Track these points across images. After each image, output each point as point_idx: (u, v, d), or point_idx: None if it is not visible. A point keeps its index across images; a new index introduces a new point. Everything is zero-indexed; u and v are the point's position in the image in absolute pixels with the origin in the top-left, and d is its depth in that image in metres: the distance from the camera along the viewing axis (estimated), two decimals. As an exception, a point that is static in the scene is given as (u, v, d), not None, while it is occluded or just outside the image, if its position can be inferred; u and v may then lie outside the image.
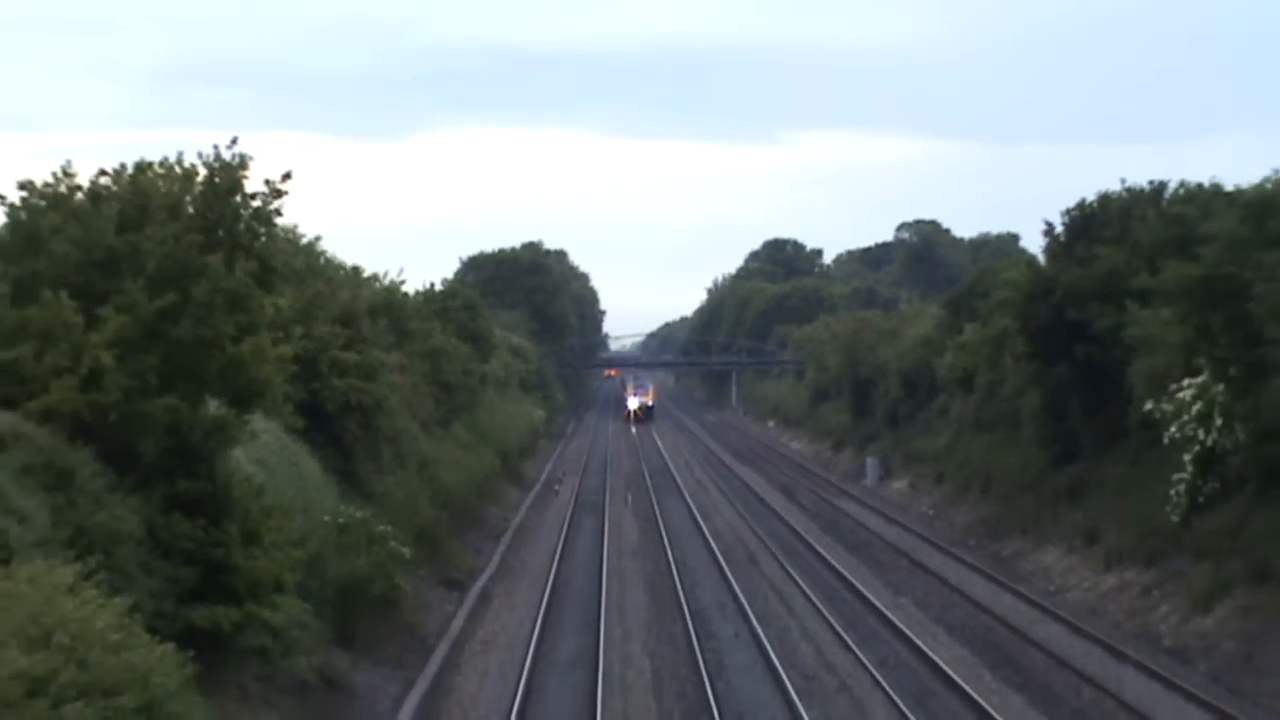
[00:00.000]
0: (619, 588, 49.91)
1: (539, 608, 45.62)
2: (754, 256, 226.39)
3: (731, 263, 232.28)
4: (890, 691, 34.06)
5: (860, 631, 41.90)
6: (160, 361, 26.38)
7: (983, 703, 32.96)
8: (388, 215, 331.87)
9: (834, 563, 56.00)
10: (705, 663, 37.12)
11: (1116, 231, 54.76)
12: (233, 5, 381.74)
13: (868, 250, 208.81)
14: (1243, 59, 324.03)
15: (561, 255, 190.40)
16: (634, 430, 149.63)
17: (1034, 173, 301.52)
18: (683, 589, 49.10)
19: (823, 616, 44.38)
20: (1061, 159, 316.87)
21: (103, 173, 27.95)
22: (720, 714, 31.73)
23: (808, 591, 49.09)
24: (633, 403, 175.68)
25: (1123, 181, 57.96)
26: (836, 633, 41.65)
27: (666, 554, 58.28)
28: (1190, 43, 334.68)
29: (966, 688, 34.57)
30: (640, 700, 33.66)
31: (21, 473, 23.18)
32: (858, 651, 38.77)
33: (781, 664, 36.92)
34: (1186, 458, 44.38)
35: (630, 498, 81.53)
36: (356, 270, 58.92)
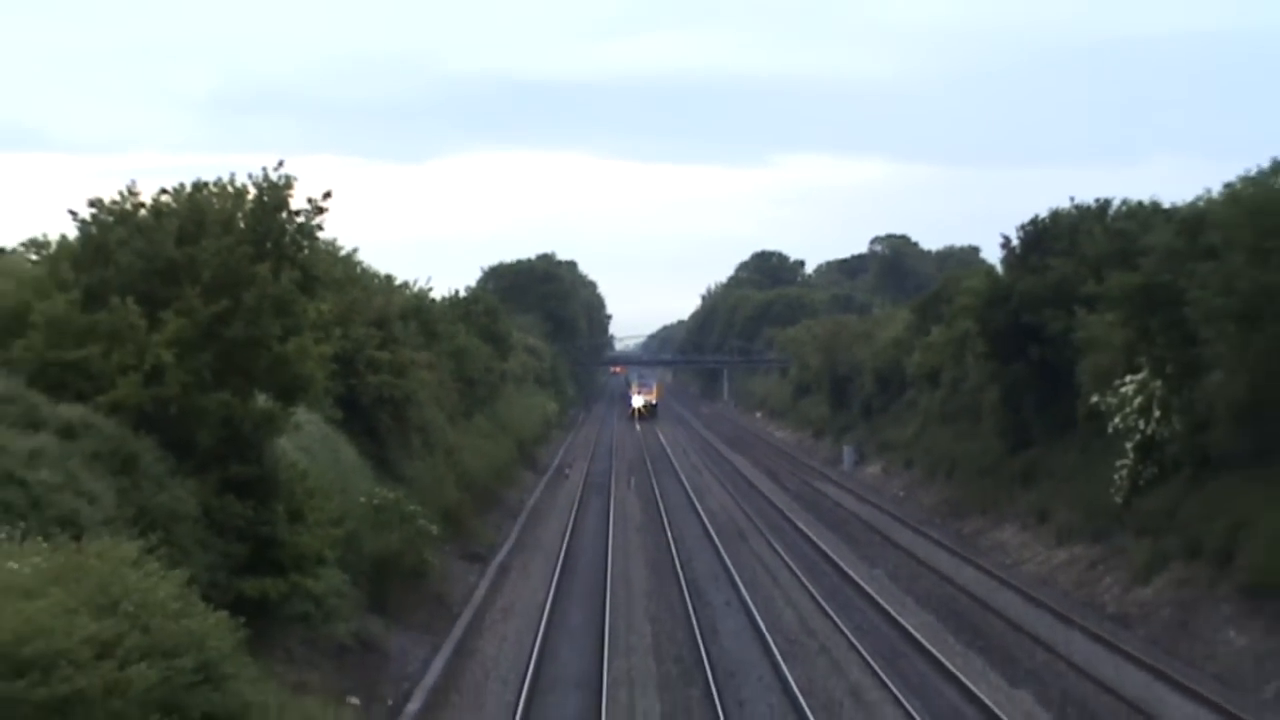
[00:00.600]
0: (623, 560, 50.02)
1: (552, 579, 45.71)
2: (743, 266, 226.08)
3: (723, 272, 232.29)
4: (865, 653, 34.18)
5: (838, 600, 42.02)
6: (215, 360, 26.50)
7: (947, 664, 33.11)
8: (417, 229, 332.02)
9: (814, 538, 56.09)
10: (700, 627, 37.24)
11: (1066, 244, 54.80)
12: (281, 43, 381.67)
13: (845, 261, 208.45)
14: (1179, 92, 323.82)
15: (572, 265, 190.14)
16: (637, 427, 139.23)
17: (993, 192, 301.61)
18: (679, 561, 49.19)
19: (804, 586, 44.49)
20: (1017, 180, 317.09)
21: (164, 191, 28.07)
22: (713, 673, 31.80)
23: (791, 564, 49.20)
24: (637, 400, 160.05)
25: (1072, 200, 58.01)
26: (816, 601, 41.76)
27: (665, 530, 58.35)
28: (1133, 77, 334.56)
29: (933, 650, 34.71)
30: (642, 661, 33.75)
31: (91, 459, 23.29)
32: (835, 618, 38.89)
33: (767, 629, 37.04)
34: (1128, 446, 44.49)
35: (633, 480, 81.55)
36: (389, 278, 58.99)
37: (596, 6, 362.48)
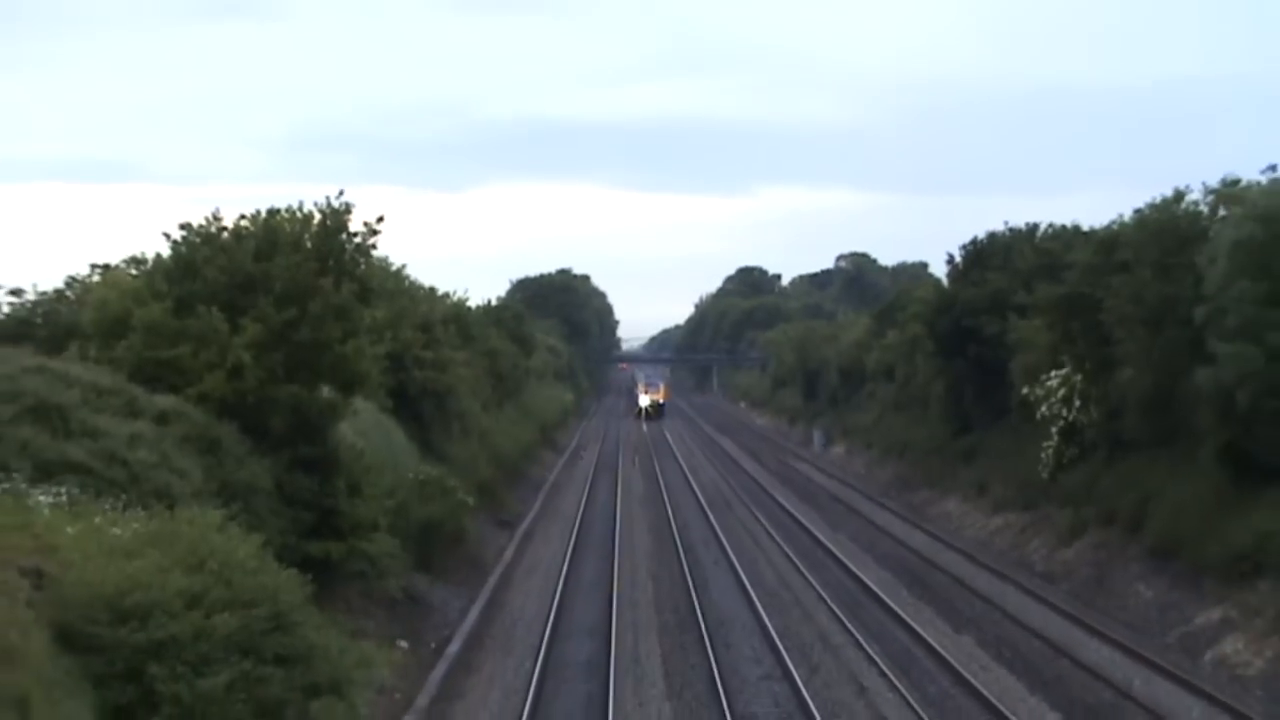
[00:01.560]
0: (628, 527, 50.02)
1: (568, 542, 45.72)
2: (729, 279, 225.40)
3: (712, 284, 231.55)
4: (832, 604, 34.23)
5: (809, 559, 42.04)
6: (285, 358, 26.55)
7: (901, 613, 33.15)
8: (455, 248, 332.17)
9: (789, 508, 56.11)
10: (693, 583, 37.25)
11: (1001, 261, 54.79)
12: (342, 92, 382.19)
13: (814, 275, 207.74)
14: (1097, 132, 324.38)
15: (585, 278, 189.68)
16: (644, 427, 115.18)
17: (940, 217, 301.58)
18: (676, 528, 49.21)
19: (781, 548, 44.50)
20: (960, 206, 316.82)
21: (243, 217, 28.10)
22: (705, 621, 31.83)
23: (769, 530, 49.21)
24: (643, 400, 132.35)
25: (1006, 224, 57.97)
26: (791, 560, 41.78)
27: (664, 500, 58.38)
28: (1058, 120, 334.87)
29: (889, 601, 34.76)
30: (645, 612, 33.74)
31: (182, 441, 23.33)
32: (807, 574, 38.91)
33: (750, 584, 37.04)
34: (1053, 430, 44.54)
35: (637, 459, 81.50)
36: (432, 290, 59.01)
37: (605, 61, 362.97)
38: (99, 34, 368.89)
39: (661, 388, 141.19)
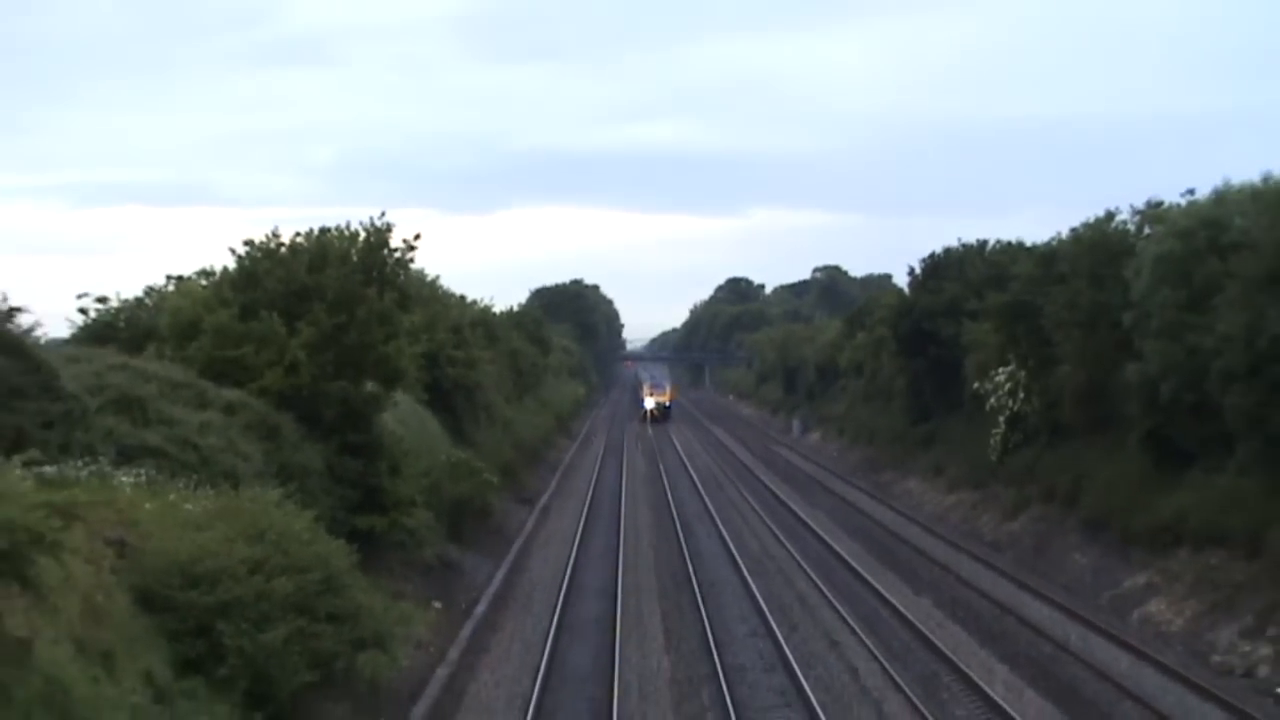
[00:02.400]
0: (632, 504, 49.93)
1: (580, 517, 45.66)
2: (720, 288, 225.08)
3: (705, 292, 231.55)
4: (808, 569, 34.18)
5: (789, 531, 41.96)
6: (335, 357, 26.54)
7: (868, 577, 33.10)
8: (482, 262, 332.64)
9: (771, 487, 56.03)
10: (689, 552, 37.19)
11: (955, 272, 54.78)
12: (385, 126, 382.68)
13: (794, 285, 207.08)
14: (1039, 160, 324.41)
15: (595, 287, 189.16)
16: (650, 431, 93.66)
17: (902, 234, 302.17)
18: (674, 504, 49.14)
19: (764, 522, 44.43)
20: (920, 225, 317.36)
21: (298, 235, 28.13)
22: (699, 584, 31.79)
23: (754, 505, 49.12)
24: (649, 402, 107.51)
25: (960, 240, 58.00)
26: (773, 532, 41.71)
27: (663, 480, 58.31)
28: (1005, 149, 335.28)
29: (858, 567, 34.70)
30: (646, 576, 33.69)
31: (245, 429, 23.30)
32: (787, 545, 38.85)
33: (738, 553, 36.98)
34: (1000, 419, 44.52)
35: (640, 445, 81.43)
36: (462, 298, 59.07)
37: (612, 101, 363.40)
38: (179, 79, 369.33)
39: (668, 389, 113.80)
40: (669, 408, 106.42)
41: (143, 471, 18.39)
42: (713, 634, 26.04)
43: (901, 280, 69.59)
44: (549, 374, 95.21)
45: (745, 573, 33.50)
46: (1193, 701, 21.28)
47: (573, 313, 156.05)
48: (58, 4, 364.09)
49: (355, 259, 27.56)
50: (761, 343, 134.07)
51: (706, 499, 51.01)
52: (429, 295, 45.24)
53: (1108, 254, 36.83)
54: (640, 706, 21.05)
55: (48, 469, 15.27)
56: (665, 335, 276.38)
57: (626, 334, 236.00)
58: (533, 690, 21.79)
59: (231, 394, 24.13)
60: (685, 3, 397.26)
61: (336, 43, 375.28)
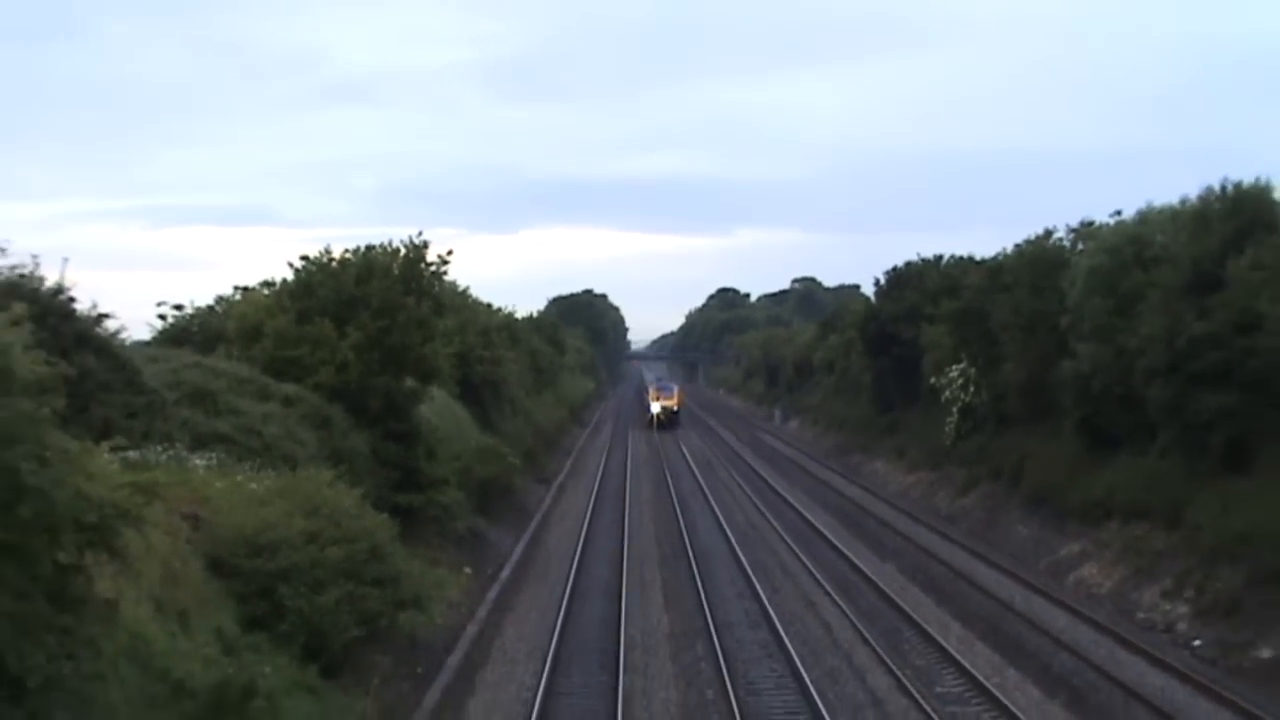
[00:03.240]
0: (636, 483, 49.84)
1: (591, 494, 45.60)
2: (711, 297, 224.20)
3: (699, 300, 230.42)
4: (789, 540, 34.12)
5: (773, 507, 41.88)
6: (379, 357, 26.53)
7: (841, 546, 33.03)
8: (506, 274, 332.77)
9: (756, 468, 55.92)
10: (684, 525, 37.14)
11: (915, 283, 54.67)
12: (422, 157, 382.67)
13: (775, 294, 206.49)
14: (986, 185, 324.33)
15: (604, 296, 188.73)
16: (656, 437, 75.19)
17: (868, 250, 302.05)
18: (671, 483, 49.06)
19: (750, 499, 44.35)
20: (884, 242, 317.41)
21: (346, 251, 28.11)
22: (693, 552, 31.74)
23: (741, 484, 49.07)
24: (655, 407, 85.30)
25: (919, 255, 57.93)
26: (758, 508, 41.63)
27: (662, 463, 58.22)
28: (957, 175, 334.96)
29: (831, 537, 34.64)
30: (649, 546, 33.62)
31: (301, 418, 23.30)
32: (770, 519, 38.79)
33: (728, 526, 36.92)
34: (954, 409, 44.44)
35: (643, 433, 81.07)
36: (489, 305, 58.96)
37: (617, 136, 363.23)
38: (244, 117, 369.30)
39: (675, 392, 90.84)
40: (676, 413, 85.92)
41: (213, 455, 18.44)
42: (705, 595, 26.01)
43: (868, 290, 69.71)
44: (564, 371, 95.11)
45: (733, 542, 33.45)
46: (1121, 654, 21.26)
47: (584, 318, 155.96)
48: (140, 55, 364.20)
49: (396, 272, 27.55)
50: (747, 344, 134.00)
51: (699, 477, 50.96)
52: (460, 303, 45.20)
53: (1046, 267, 36.82)
54: (643, 657, 21.04)
55: (132, 454, 15.28)
56: (664, 337, 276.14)
57: (631, 336, 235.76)
58: (550, 643, 21.78)
59: (289, 389, 24.14)
60: (679, 51, 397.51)
61: (378, 86, 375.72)
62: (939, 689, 19.34)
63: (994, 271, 41.22)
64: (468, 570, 28.04)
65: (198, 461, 17.68)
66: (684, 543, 33.61)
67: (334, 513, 17.39)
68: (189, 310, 31.28)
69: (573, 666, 20.63)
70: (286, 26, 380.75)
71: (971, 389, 43.34)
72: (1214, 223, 27.34)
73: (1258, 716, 17.60)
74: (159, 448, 16.90)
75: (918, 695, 18.56)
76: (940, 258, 56.37)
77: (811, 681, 19.10)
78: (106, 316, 19.00)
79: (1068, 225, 38.37)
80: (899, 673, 19.80)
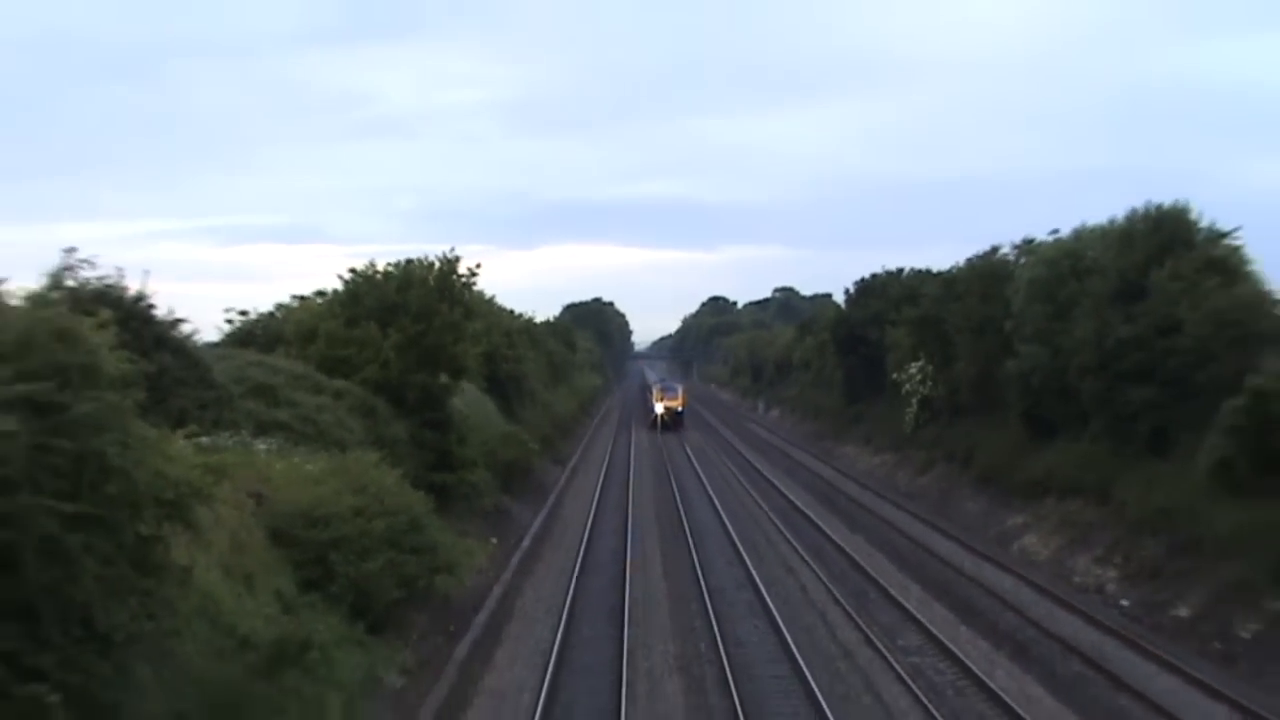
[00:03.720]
0: (638, 468, 49.69)
1: (600, 474, 45.49)
2: (703, 304, 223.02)
3: (692, 306, 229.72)
4: (772, 515, 34.03)
5: (758, 487, 41.76)
6: (417, 356, 26.47)
7: (817, 520, 32.94)
8: (526, 284, 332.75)
9: (743, 452, 55.83)
10: (680, 502, 37.04)
11: (880, 292, 54.50)
12: (453, 183, 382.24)
13: (759, 301, 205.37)
14: (942, 207, 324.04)
15: (611, 304, 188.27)
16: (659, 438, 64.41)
17: (840, 263, 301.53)
18: (670, 467, 48.95)
19: (738, 480, 44.21)
20: (854, 257, 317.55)
21: (388, 264, 28.05)
22: (689, 527, 31.70)
23: (730, 468, 48.95)
24: (658, 407, 71.83)
25: (883, 267, 57.79)
26: (744, 488, 41.52)
27: (661, 450, 58.11)
28: (914, 200, 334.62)
29: (808, 512, 34.51)
30: (650, 522, 33.49)
31: (350, 409, 23.26)
32: (756, 497, 38.69)
33: (719, 503, 36.83)
34: (913, 401, 44.35)
35: (645, 422, 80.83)
36: (511, 311, 58.78)
37: (621, 165, 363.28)
38: (299, 147, 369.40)
39: (680, 393, 75.32)
40: (681, 414, 71.89)
41: (274, 441, 18.42)
42: (699, 563, 25.98)
43: (840, 298, 69.54)
44: (576, 368, 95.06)
45: (724, 517, 33.36)
46: (1059, 612, 21.23)
47: (593, 322, 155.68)
48: (212, 95, 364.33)
49: (431, 282, 27.49)
50: (734, 345, 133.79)
51: (692, 458, 50.87)
52: (486, 309, 45.05)
53: (993, 278, 36.73)
54: (645, 613, 21.02)
55: (203, 440, 15.26)
56: (663, 339, 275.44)
57: (634, 338, 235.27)
58: (564, 602, 21.76)
59: (339, 383, 24.13)
60: (673, 94, 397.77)
61: (414, 122, 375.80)
62: (901, 642, 19.32)
63: (948, 282, 41.12)
64: (493, 540, 27.95)
65: (260, 446, 17.66)
66: (680, 519, 33.46)
67: (378, 490, 17.37)
68: (252, 316, 31.21)
69: (583, 623, 20.61)
70: (337, 72, 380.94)
71: (928, 384, 43.27)
72: (1138, 239, 27.27)
73: (1176, 666, 17.59)
74: (227, 434, 16.89)
75: (882, 648, 18.55)
76: (901, 270, 56.29)
77: (790, 636, 19.08)
78: (181, 321, 19.00)
79: (1012, 242, 38.25)
80: (866, 629, 19.78)
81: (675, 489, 40.43)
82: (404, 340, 26.09)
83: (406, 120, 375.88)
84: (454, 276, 28.02)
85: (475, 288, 30.41)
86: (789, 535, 30.05)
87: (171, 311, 18.56)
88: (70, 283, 15.77)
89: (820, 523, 32.28)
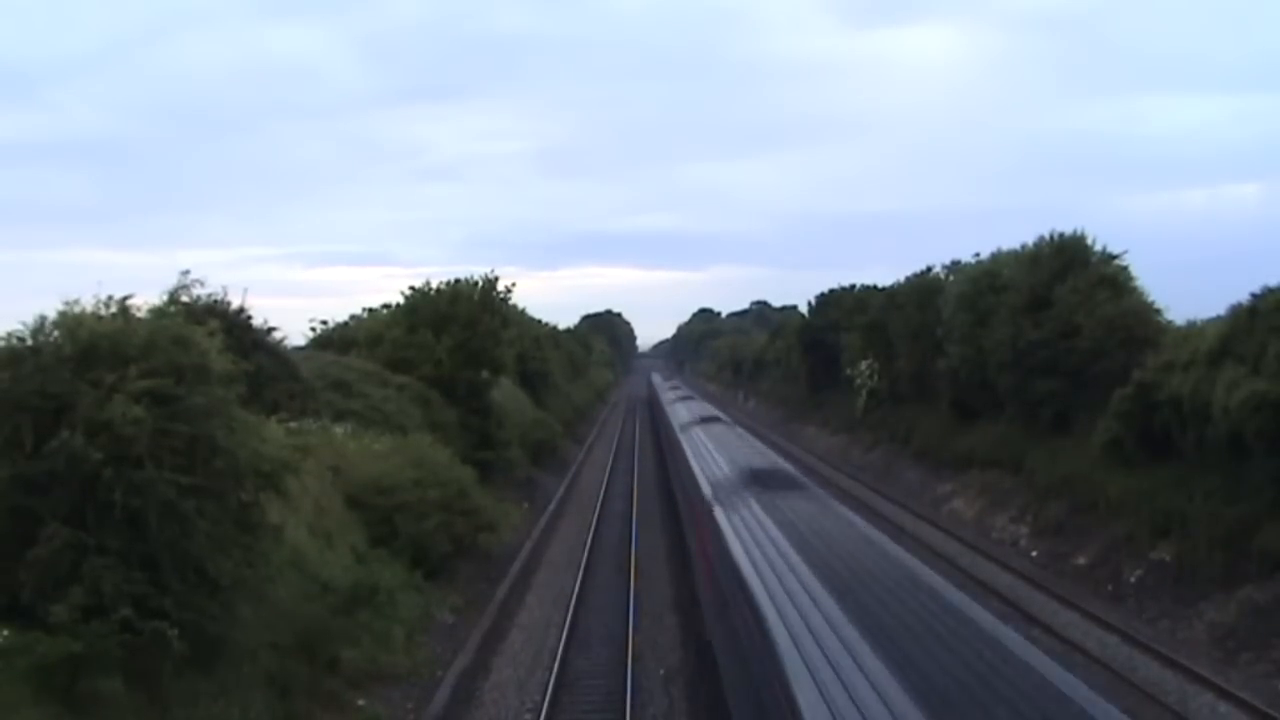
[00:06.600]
0: (643, 443, 49.51)
1: (612, 451, 45.34)
2: (694, 315, 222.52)
3: (685, 316, 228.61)
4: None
5: (736, 460, 41.55)
6: (464, 357, 26.40)
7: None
8: (551, 299, 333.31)
9: (726, 434, 55.48)
10: (671, 472, 36.83)
11: (836, 304, 54.18)
12: (492, 217, 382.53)
13: (739, 312, 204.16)
14: (883, 236, 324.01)
15: (619, 314, 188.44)
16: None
17: (805, 281, 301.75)
18: (663, 444, 48.52)
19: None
20: (816, 276, 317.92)
21: (441, 283, 28.00)
22: (678, 497, 31.56)
23: (716, 445, 48.69)
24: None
25: (839, 284, 57.43)
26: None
27: (658, 426, 57.53)
28: (865, 231, 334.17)
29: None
30: (650, 484, 33.43)
31: (410, 399, 23.25)
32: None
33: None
34: (863, 392, 44.09)
35: (649, 411, 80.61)
36: (539, 321, 58.70)
37: (625, 200, 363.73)
38: (370, 188, 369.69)
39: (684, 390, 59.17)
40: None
41: (349, 425, 18.44)
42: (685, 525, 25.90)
43: (804, 308, 69.32)
44: (591, 366, 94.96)
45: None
46: (981, 561, 21.17)
47: (605, 329, 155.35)
48: (300, 145, 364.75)
49: (476, 298, 27.45)
50: (719, 347, 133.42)
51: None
52: (519, 319, 44.83)
53: (927, 293, 36.55)
54: (648, 581, 20.99)
55: (292, 424, 15.31)
56: (661, 343, 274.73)
57: (638, 342, 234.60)
58: (583, 552, 21.73)
59: (401, 379, 24.15)
60: (668, 145, 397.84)
61: (462, 168, 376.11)
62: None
63: (891, 296, 40.94)
64: (525, 505, 27.99)
65: (337, 429, 17.69)
66: (669, 487, 33.34)
67: (433, 465, 17.41)
68: (331, 325, 31.29)
69: (598, 570, 20.58)
70: (400, 127, 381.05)
71: (875, 378, 43.05)
72: (1044, 261, 27.20)
73: (1076, 604, 17.56)
74: (311, 420, 16.92)
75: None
76: (854, 286, 55.85)
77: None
78: (274, 329, 19.05)
79: (942, 263, 38.09)
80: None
81: (668, 456, 40.20)
82: (453, 344, 26.10)
83: (455, 166, 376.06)
84: (493, 293, 27.97)
85: (510, 302, 30.41)
86: (763, 500, 29.89)
87: (266, 321, 18.62)
88: (185, 298, 15.83)
89: (788, 490, 32.10)
